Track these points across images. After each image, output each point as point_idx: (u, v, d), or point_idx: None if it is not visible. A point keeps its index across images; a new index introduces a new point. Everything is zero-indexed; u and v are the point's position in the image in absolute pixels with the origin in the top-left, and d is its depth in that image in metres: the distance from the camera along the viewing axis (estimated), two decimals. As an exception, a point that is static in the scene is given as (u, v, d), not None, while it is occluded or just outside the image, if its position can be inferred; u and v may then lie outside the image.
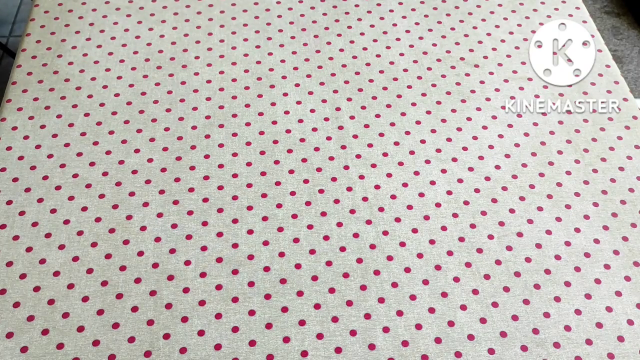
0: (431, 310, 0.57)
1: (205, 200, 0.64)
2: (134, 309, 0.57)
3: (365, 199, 0.65)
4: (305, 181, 0.66)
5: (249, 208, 0.64)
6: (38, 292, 0.57)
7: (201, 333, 0.55)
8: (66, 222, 0.62)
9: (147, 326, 0.56)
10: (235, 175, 0.66)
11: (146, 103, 0.72)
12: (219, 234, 0.62)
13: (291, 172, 0.67)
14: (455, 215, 0.64)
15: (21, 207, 0.62)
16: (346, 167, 0.67)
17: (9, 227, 0.61)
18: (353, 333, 0.56)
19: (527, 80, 0.76)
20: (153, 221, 0.62)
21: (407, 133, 0.71)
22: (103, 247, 0.60)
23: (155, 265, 0.59)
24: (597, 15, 1.87)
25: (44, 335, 0.54)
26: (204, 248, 0.61)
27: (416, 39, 0.81)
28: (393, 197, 0.65)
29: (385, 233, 0.62)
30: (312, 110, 0.72)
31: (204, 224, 0.62)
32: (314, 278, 0.59)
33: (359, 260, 0.60)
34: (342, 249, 0.61)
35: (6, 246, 0.60)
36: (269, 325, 0.56)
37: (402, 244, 0.61)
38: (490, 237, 0.62)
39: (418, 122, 0.72)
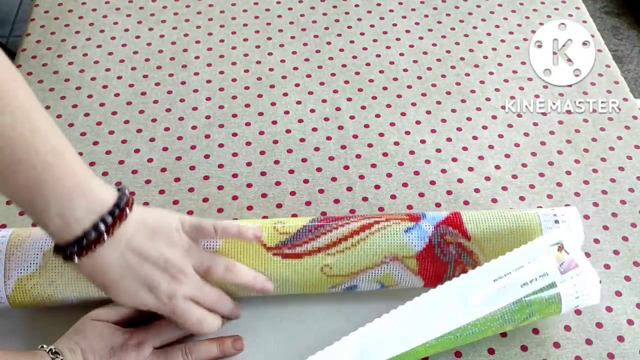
0: (431, 310, 0.57)
1: (205, 200, 0.64)
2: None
3: (365, 199, 0.65)
4: (305, 181, 0.66)
5: (249, 208, 0.64)
6: (38, 292, 0.57)
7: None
8: (66, 222, 0.62)
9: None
10: (235, 175, 0.66)
11: (146, 103, 0.72)
12: (219, 234, 0.62)
13: (291, 172, 0.67)
14: (455, 215, 0.64)
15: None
16: (346, 167, 0.67)
17: (9, 227, 0.61)
18: (353, 333, 0.56)
19: (527, 80, 0.76)
20: (153, 221, 0.62)
21: (407, 133, 0.71)
22: (103, 247, 0.60)
23: (155, 265, 0.59)
24: (597, 15, 1.88)
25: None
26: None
27: (416, 39, 0.81)
28: (393, 197, 0.65)
29: (385, 233, 0.62)
30: (312, 110, 0.72)
31: (204, 224, 0.62)
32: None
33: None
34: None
35: (6, 246, 0.60)
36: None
37: (402, 244, 0.61)
38: (490, 237, 0.62)
39: (418, 122, 0.72)
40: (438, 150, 0.69)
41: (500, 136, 0.71)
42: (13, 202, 0.45)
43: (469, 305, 0.50)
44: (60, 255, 0.45)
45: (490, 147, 0.70)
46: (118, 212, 0.45)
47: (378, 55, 0.79)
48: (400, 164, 0.68)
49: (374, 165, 0.67)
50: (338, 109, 0.73)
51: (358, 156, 0.68)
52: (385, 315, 0.49)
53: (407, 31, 0.82)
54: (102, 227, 0.44)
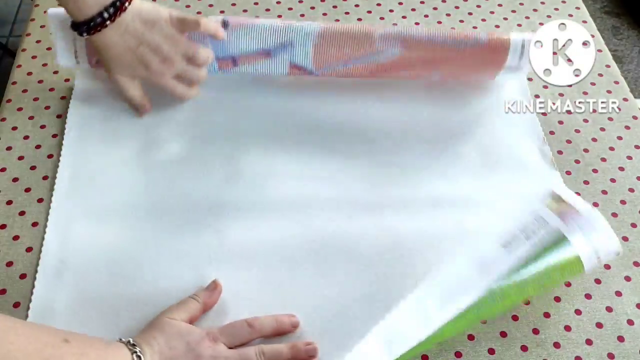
0: (431, 310, 0.57)
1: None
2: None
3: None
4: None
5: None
6: (38, 292, 0.57)
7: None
8: (66, 222, 0.62)
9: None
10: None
11: (146, 103, 0.72)
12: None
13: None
14: (455, 215, 0.64)
15: (21, 207, 0.62)
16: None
17: (9, 227, 0.61)
18: (353, 333, 0.56)
19: (527, 80, 0.76)
20: (153, 221, 0.62)
21: (407, 133, 0.71)
22: (103, 247, 0.60)
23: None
24: (597, 15, 1.88)
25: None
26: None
27: (416, 39, 0.81)
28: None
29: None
30: (312, 110, 0.72)
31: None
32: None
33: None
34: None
35: (6, 246, 0.60)
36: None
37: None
38: (491, 237, 0.62)
39: (418, 122, 0.72)
40: (438, 150, 0.69)
41: (500, 136, 0.71)
42: None
43: (483, 272, 0.51)
44: (75, 31, 0.61)
45: (490, 147, 0.70)
46: (119, 4, 0.60)
47: (378, 55, 0.79)
48: (400, 164, 0.68)
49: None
50: (338, 109, 0.73)
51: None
52: (403, 302, 0.50)
53: (407, 31, 0.82)
54: (106, 15, 0.59)
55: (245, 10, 0.83)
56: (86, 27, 0.60)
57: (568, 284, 0.59)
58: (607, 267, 0.60)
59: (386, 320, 0.49)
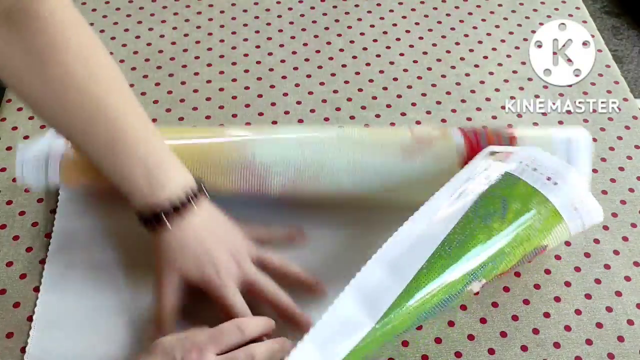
0: (431, 310, 0.57)
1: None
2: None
3: (365, 199, 0.64)
4: (305, 181, 0.66)
5: (249, 208, 0.64)
6: (38, 292, 0.57)
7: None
8: (66, 222, 0.62)
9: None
10: (235, 176, 0.66)
11: (146, 103, 0.72)
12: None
13: (291, 172, 0.67)
14: (455, 215, 0.64)
15: (21, 207, 0.62)
16: (346, 167, 0.67)
17: (9, 227, 0.61)
18: (353, 333, 0.56)
19: (527, 80, 0.76)
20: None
21: (407, 133, 0.71)
22: (103, 247, 0.60)
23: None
24: (597, 15, 1.88)
25: (44, 335, 0.54)
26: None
27: (416, 39, 0.81)
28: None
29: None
30: (312, 111, 0.72)
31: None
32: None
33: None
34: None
35: (6, 246, 0.60)
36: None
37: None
38: (490, 237, 0.62)
39: (418, 122, 0.72)
40: (438, 150, 0.69)
41: (500, 136, 0.71)
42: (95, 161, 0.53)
43: (438, 221, 0.51)
44: (147, 225, 0.51)
45: (490, 147, 0.70)
46: (201, 189, 0.52)
47: (378, 55, 0.79)
48: (400, 164, 0.68)
49: (374, 165, 0.67)
50: (338, 109, 0.73)
51: (358, 156, 0.68)
52: (370, 261, 0.48)
53: (407, 31, 0.82)
54: (192, 196, 0.51)
55: (245, 11, 0.83)
56: (173, 211, 0.50)
57: (568, 284, 0.59)
58: (607, 267, 0.60)
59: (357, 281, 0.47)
